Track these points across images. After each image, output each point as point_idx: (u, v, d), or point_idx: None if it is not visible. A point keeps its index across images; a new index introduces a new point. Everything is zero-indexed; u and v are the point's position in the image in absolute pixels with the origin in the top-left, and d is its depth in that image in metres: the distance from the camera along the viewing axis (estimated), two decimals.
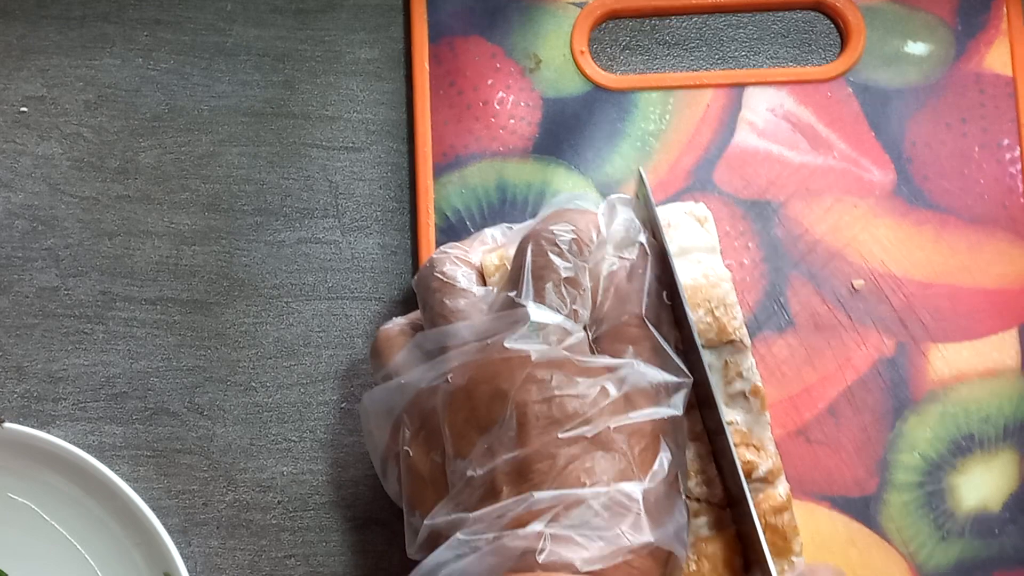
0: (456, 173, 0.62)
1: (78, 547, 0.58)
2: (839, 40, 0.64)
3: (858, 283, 0.59)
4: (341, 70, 0.64)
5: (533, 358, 0.50)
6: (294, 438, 0.60)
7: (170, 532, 0.58)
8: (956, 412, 0.59)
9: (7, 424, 0.58)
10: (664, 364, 0.52)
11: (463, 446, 0.50)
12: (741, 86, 0.63)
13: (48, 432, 0.58)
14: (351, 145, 0.63)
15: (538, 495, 0.48)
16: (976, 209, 0.61)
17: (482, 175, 0.62)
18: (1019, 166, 0.61)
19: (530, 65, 0.63)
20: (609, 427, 0.49)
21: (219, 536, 0.60)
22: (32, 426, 0.58)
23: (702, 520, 0.55)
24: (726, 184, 0.62)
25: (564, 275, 0.52)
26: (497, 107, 0.63)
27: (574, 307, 0.52)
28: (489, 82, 0.63)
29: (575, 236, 0.53)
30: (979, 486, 0.59)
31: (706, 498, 0.55)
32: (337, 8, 0.64)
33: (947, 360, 0.60)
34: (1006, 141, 0.62)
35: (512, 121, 0.62)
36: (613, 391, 0.50)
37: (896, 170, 0.62)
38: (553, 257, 0.52)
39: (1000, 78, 0.62)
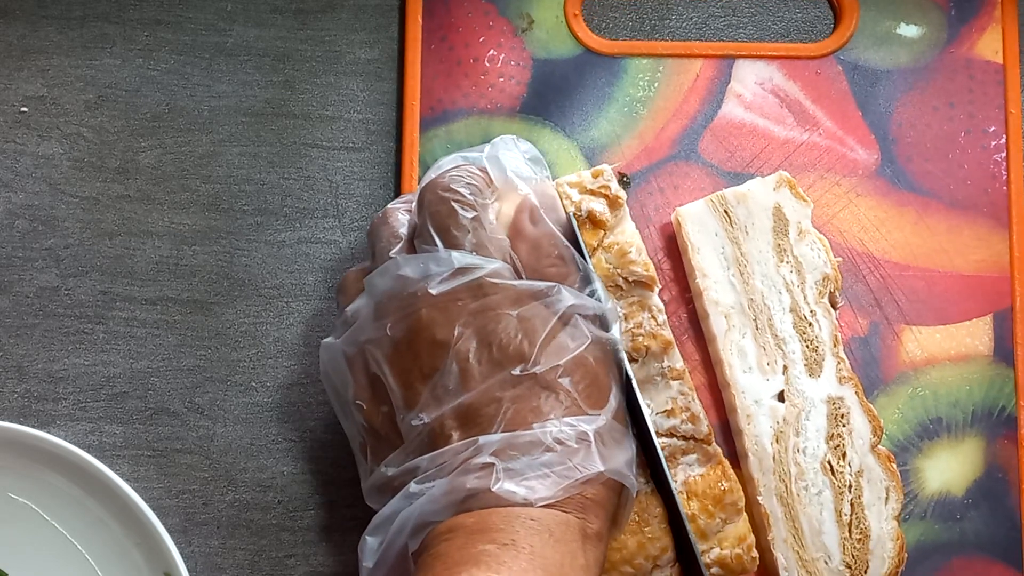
0: (443, 128, 0.62)
1: (78, 547, 0.58)
2: (832, 18, 0.64)
3: (835, 261, 0.59)
4: (341, 70, 0.64)
5: (466, 302, 0.51)
6: (294, 438, 0.60)
7: (170, 532, 0.58)
8: (925, 395, 0.60)
9: (6, 424, 0.58)
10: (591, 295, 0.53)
11: (410, 396, 0.51)
12: (732, 58, 0.63)
13: (48, 432, 0.58)
14: (351, 145, 0.63)
15: (486, 438, 0.49)
16: (958, 194, 0.61)
17: (468, 131, 0.62)
18: (1004, 154, 0.62)
19: (523, 25, 0.63)
20: (554, 366, 0.50)
21: (219, 536, 0.60)
22: (32, 426, 0.58)
23: (692, 457, 0.56)
24: (710, 154, 0.62)
25: (469, 216, 0.52)
26: (487, 65, 0.63)
27: (485, 244, 0.52)
28: (481, 39, 0.63)
29: (470, 179, 0.53)
30: (944, 470, 0.59)
31: (692, 435, 0.56)
32: (337, 8, 0.64)
33: (920, 343, 0.60)
34: (992, 128, 0.62)
35: (501, 79, 0.62)
36: (550, 316, 0.51)
37: (881, 150, 0.62)
38: (454, 204, 0.53)
39: (990, 65, 0.63)
